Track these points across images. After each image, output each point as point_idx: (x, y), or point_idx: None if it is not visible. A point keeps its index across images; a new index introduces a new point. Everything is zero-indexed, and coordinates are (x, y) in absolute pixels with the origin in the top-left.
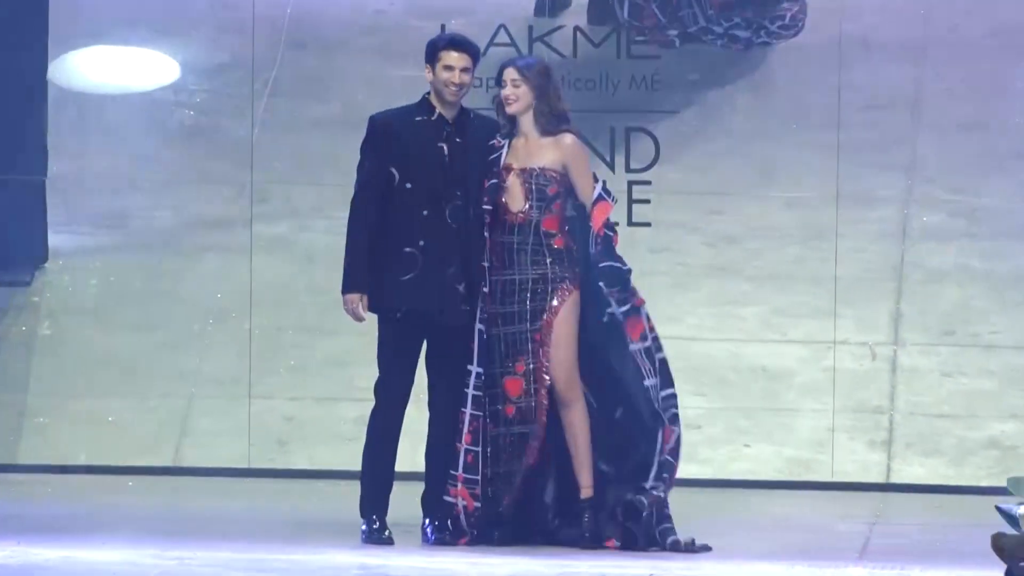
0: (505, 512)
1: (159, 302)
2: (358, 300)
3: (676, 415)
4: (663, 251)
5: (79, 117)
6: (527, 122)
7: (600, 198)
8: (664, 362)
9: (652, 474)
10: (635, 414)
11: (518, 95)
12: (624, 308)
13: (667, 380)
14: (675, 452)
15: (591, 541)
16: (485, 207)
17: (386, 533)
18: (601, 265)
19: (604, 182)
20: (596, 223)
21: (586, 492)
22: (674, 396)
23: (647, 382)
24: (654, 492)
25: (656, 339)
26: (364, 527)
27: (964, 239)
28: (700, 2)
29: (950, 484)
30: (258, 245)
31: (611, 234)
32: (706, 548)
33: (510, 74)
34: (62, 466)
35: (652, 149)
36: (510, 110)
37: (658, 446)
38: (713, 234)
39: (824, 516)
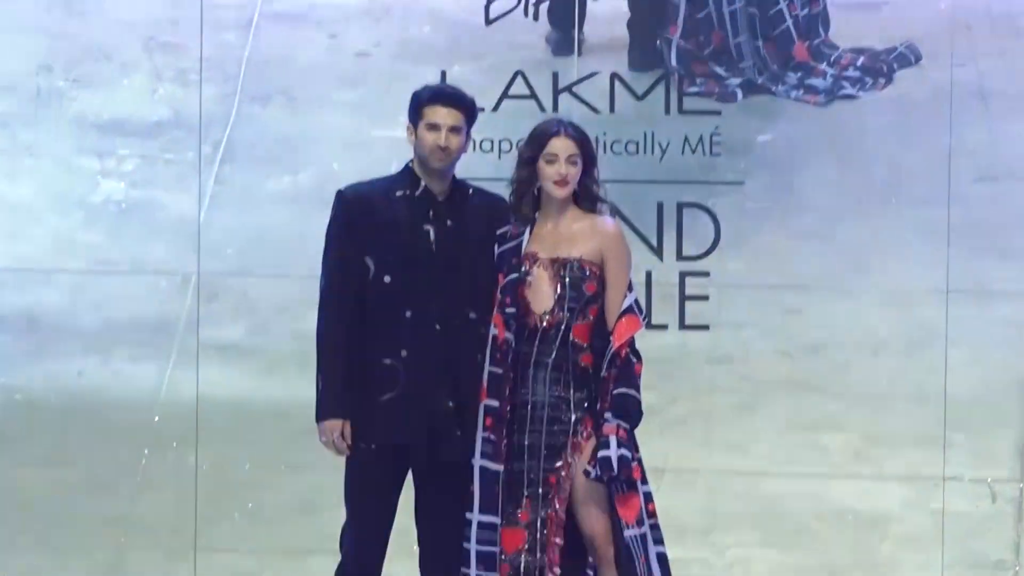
0: None
1: (79, 427)
2: (340, 427)
3: None
4: (725, 362)
5: None
6: (564, 202)
7: (630, 311)
8: (664, 560)
9: None
10: None
11: (574, 174)
12: (621, 452)
13: None
14: None
15: None
16: (507, 310)
17: None
18: (616, 392)
19: (636, 296)
20: (618, 339)
21: None
22: None
23: None
24: None
25: (656, 527)
26: None
27: None
28: (760, 53)
29: None
30: (206, 354)
31: (634, 360)
32: None
33: (566, 148)
34: None
35: (711, 230)
36: (562, 193)
37: None
38: (789, 340)
39: None
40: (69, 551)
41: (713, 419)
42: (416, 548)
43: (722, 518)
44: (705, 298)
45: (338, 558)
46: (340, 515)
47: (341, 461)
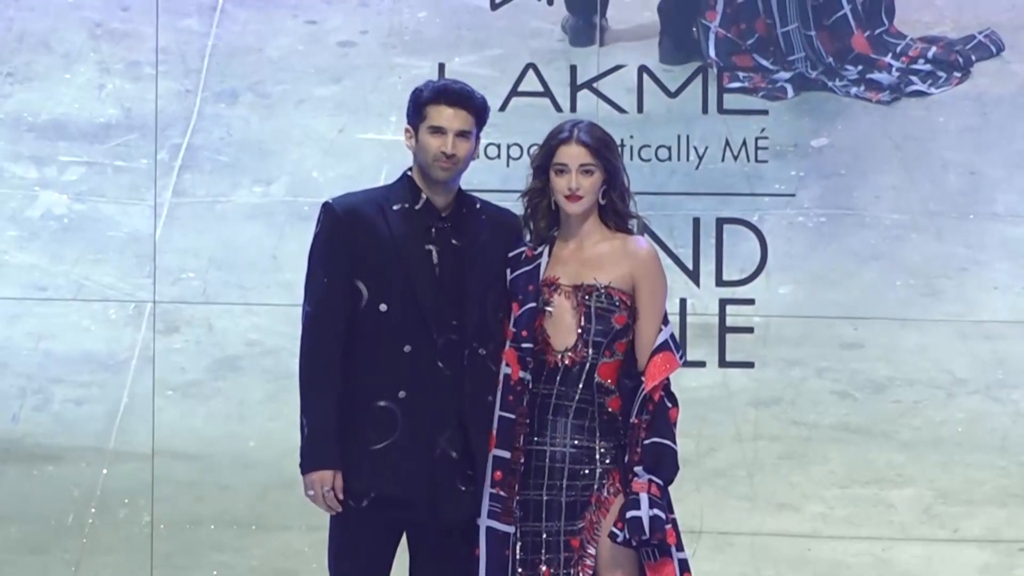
0: None
1: (14, 480)
2: (331, 479)
3: None
4: (772, 404)
5: None
6: (584, 219)
7: (665, 347)
8: None
9: None
10: None
11: (588, 186)
12: (653, 512)
13: None
14: None
15: None
16: (523, 344)
17: None
18: (647, 442)
19: (672, 331)
20: (651, 380)
21: None
22: None
23: None
24: None
25: None
26: None
27: None
28: (813, 44)
29: None
30: (163, 394)
31: (669, 404)
32: None
33: (577, 155)
34: None
35: (756, 251)
36: (575, 208)
37: None
38: (848, 378)
39: None
40: None
41: (758, 472)
42: None
43: None
44: (749, 330)
45: None
46: None
47: (321, 520)
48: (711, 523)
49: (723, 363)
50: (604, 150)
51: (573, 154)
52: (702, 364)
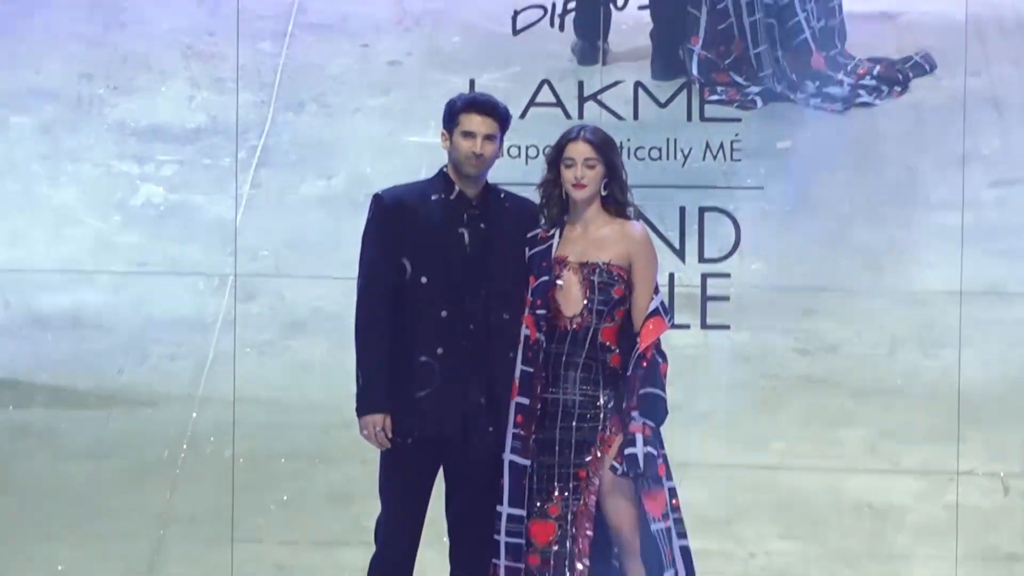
0: None
1: (118, 421)
2: (382, 422)
3: None
4: (744, 360)
5: (21, 193)
6: (589, 206)
7: (656, 312)
8: (687, 552)
9: None
10: None
11: (591, 177)
12: (647, 450)
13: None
14: None
15: None
16: (538, 311)
17: None
18: (642, 391)
19: (663, 299)
20: (644, 340)
21: None
22: None
23: (666, 574)
24: None
25: (680, 521)
26: None
27: None
28: (780, 63)
29: None
30: (243, 352)
31: (660, 360)
32: None
33: (582, 151)
34: None
35: (732, 234)
36: (581, 195)
37: None
38: (807, 339)
39: None
40: (110, 542)
41: (734, 415)
42: (447, 539)
43: (743, 511)
44: (726, 299)
45: (370, 549)
46: (372, 505)
47: (373, 454)
48: (695, 458)
49: (704, 326)
50: (605, 147)
51: (579, 150)
52: (687, 327)
